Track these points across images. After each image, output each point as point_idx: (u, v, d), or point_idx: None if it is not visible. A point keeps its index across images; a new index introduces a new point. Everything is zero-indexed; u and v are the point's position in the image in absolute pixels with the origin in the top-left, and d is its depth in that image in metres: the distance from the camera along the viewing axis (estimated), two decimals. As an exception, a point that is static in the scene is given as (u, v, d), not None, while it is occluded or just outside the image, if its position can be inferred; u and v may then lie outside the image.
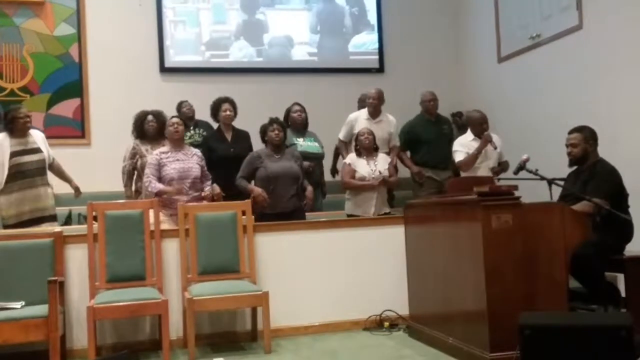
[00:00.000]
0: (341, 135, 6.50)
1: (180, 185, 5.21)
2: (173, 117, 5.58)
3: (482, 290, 3.79)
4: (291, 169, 5.48)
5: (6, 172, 5.35)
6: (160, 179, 5.26)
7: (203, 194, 5.36)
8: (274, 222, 5.22)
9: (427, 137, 6.46)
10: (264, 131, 5.63)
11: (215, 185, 5.52)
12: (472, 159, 5.90)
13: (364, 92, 6.87)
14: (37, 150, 5.48)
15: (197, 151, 5.56)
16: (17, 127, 5.43)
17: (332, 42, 8.45)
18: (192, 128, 6.38)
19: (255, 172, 5.47)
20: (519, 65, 7.34)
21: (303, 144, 6.14)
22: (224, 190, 5.56)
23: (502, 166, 6.04)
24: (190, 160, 5.36)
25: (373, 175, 5.64)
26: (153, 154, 5.42)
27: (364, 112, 6.46)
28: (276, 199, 5.39)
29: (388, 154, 6.19)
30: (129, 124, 6.02)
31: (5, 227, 5.36)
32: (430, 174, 6.45)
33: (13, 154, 5.37)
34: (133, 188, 5.86)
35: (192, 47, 8.05)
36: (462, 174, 6.04)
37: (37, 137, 5.57)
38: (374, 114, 6.39)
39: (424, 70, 8.29)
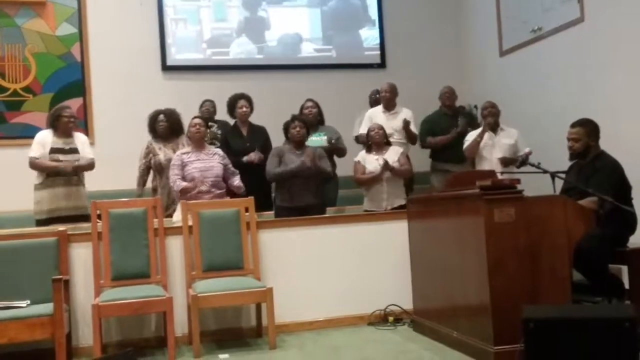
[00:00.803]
0: (362, 131, 6.49)
1: (200, 179, 5.25)
2: (195, 117, 5.62)
3: (486, 284, 3.80)
4: (309, 164, 5.50)
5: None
6: (183, 179, 5.32)
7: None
8: (278, 219, 5.25)
9: (442, 130, 6.54)
10: (286, 128, 5.70)
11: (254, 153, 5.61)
12: (474, 144, 5.99)
13: (374, 89, 6.93)
14: (75, 151, 5.56)
15: (219, 150, 5.62)
16: (60, 126, 5.54)
17: (335, 38, 8.44)
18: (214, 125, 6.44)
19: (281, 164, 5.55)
20: (520, 59, 7.33)
21: (310, 139, 6.13)
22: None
23: (517, 159, 5.92)
24: (212, 160, 5.42)
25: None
26: (175, 155, 5.47)
27: (379, 107, 6.56)
28: (293, 193, 5.47)
29: (405, 144, 6.26)
30: (131, 123, 6.05)
31: (38, 221, 5.45)
32: (448, 167, 6.49)
33: (52, 151, 5.48)
34: (150, 186, 5.90)
35: (194, 45, 8.06)
36: (477, 168, 6.06)
37: (79, 139, 5.67)
38: (389, 107, 6.47)
39: (426, 64, 8.29)
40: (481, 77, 8.12)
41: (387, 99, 6.49)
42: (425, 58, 8.41)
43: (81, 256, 4.76)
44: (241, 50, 8.18)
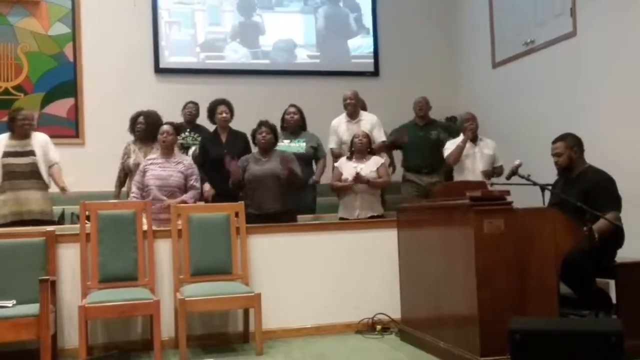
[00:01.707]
0: (331, 145, 6.48)
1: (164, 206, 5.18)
2: (165, 123, 5.54)
3: (474, 295, 3.80)
4: (274, 170, 5.45)
5: (0, 171, 5.40)
6: (142, 185, 5.30)
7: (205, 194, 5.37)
8: (266, 225, 5.22)
9: (411, 141, 6.53)
10: (253, 135, 5.66)
11: (206, 184, 5.51)
12: (457, 151, 6.06)
13: (344, 94, 6.89)
14: (29, 154, 5.52)
15: (186, 160, 5.53)
16: (15, 128, 5.53)
17: (328, 46, 8.46)
18: (189, 130, 6.38)
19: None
20: (513, 71, 7.37)
21: (286, 145, 6.10)
22: (217, 191, 5.56)
23: (496, 170, 6.10)
24: (173, 169, 5.34)
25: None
26: (143, 161, 5.43)
27: (342, 116, 6.49)
28: (258, 201, 5.41)
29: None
30: (122, 124, 6.03)
31: (0, 225, 5.38)
32: (413, 178, 6.51)
33: (5, 154, 5.45)
34: (124, 188, 5.87)
35: (187, 48, 8.05)
36: (456, 178, 6.10)
37: (37, 140, 5.61)
38: (353, 114, 6.41)
39: (419, 74, 8.31)
40: (473, 88, 8.16)
41: (353, 106, 6.40)
42: (419, 67, 8.43)
43: (69, 257, 4.73)
44: (235, 54, 8.18)
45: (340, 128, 6.38)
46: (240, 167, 5.48)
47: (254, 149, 5.84)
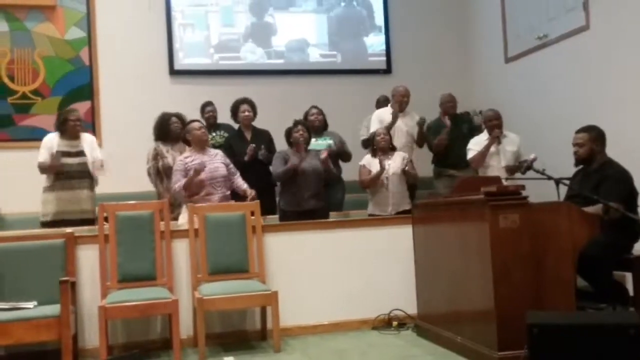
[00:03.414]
0: (372, 129, 6.47)
1: (200, 168, 5.20)
2: (193, 121, 5.60)
3: (490, 290, 3.81)
4: (316, 166, 5.58)
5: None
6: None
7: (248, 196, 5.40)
8: (282, 223, 5.27)
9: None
10: (288, 133, 5.73)
11: (251, 190, 5.50)
12: (481, 156, 5.98)
13: (382, 94, 6.95)
14: (80, 154, 5.63)
15: (219, 151, 5.60)
16: (67, 129, 5.62)
17: (341, 44, 8.47)
18: (213, 131, 6.44)
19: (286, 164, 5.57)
20: (526, 66, 7.35)
21: (315, 142, 6.16)
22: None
23: (521, 165, 5.99)
24: (215, 160, 5.39)
25: (387, 175, 5.69)
26: (177, 161, 5.43)
27: (388, 109, 6.57)
28: (300, 197, 5.52)
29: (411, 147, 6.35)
30: (139, 126, 6.07)
31: (42, 223, 5.51)
32: (452, 172, 6.50)
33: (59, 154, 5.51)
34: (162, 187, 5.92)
35: (201, 50, 8.09)
36: (476, 170, 6.08)
37: (86, 141, 5.73)
38: (403, 110, 6.49)
39: (431, 71, 8.30)
40: (486, 84, 8.14)
41: (405, 103, 6.51)
42: (431, 64, 8.42)
43: (88, 258, 4.78)
44: (248, 55, 8.22)
45: (386, 117, 6.44)
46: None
47: (278, 147, 5.91)
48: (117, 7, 7.70)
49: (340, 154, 6.35)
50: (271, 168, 5.77)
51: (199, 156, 5.37)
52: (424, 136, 6.52)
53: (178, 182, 5.25)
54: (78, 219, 5.47)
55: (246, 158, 5.93)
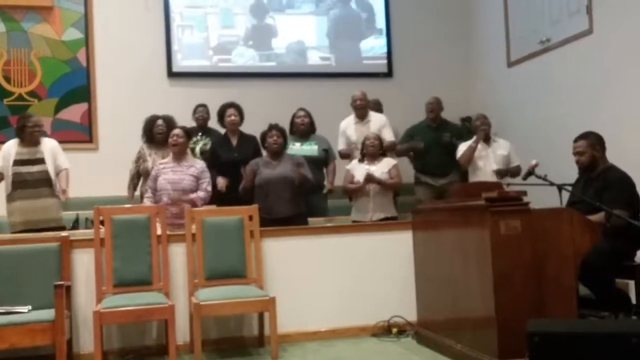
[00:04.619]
0: (340, 146, 6.45)
1: (174, 195, 5.16)
2: (177, 127, 5.53)
3: (491, 297, 3.77)
4: (285, 173, 5.47)
5: (10, 179, 5.42)
6: (155, 190, 5.29)
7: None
8: (281, 228, 5.21)
9: (424, 142, 6.50)
10: (263, 138, 5.65)
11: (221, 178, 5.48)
12: (469, 152, 6.03)
13: (374, 98, 6.88)
14: (40, 162, 5.52)
15: (198, 164, 5.46)
16: (25, 136, 5.51)
17: (341, 47, 8.43)
18: (200, 134, 6.35)
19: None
20: (528, 70, 7.31)
21: (298, 148, 6.09)
22: (227, 195, 5.54)
23: (512, 170, 6.04)
24: (184, 172, 5.30)
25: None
26: (155, 166, 5.41)
27: (351, 117, 6.45)
28: (270, 205, 5.39)
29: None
30: (136, 129, 6.02)
31: (13, 233, 5.41)
32: (428, 179, 6.48)
33: (16, 163, 5.45)
34: (137, 192, 5.87)
35: (200, 52, 8.05)
36: (470, 179, 6.07)
37: (46, 147, 5.60)
38: (362, 115, 6.36)
39: (433, 74, 8.26)
40: (488, 88, 8.10)
41: (362, 107, 6.35)
42: (433, 67, 8.38)
43: (83, 262, 4.74)
44: (247, 57, 8.17)
45: (349, 129, 6.35)
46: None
47: (265, 153, 5.83)
48: (114, 8, 7.66)
49: (325, 160, 6.28)
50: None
51: (173, 164, 5.33)
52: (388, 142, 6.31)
53: (150, 193, 5.31)
54: (45, 227, 5.36)
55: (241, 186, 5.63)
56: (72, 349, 4.57)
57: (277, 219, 5.35)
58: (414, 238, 5.07)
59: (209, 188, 5.40)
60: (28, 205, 5.43)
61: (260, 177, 5.45)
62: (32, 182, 5.45)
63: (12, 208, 5.45)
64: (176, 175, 5.28)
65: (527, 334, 3.18)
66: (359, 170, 5.75)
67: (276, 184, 5.42)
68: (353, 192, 5.75)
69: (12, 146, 5.52)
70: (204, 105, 6.61)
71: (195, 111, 6.59)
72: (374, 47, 8.55)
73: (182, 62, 7.95)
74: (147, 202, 5.30)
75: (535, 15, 7.14)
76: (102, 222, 4.79)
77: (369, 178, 5.60)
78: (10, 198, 5.46)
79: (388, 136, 6.30)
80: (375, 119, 6.38)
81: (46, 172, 5.51)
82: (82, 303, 4.70)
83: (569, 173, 4.82)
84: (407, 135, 6.67)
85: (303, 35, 8.32)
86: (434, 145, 6.48)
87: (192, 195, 5.25)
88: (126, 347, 4.76)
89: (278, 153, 5.56)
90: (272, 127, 5.63)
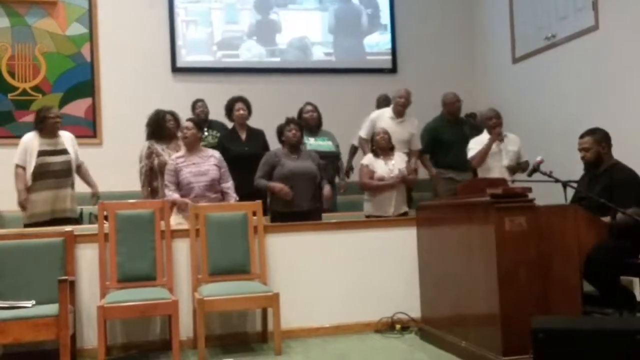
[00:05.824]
0: (363, 133, 6.43)
1: (186, 202, 5.14)
2: (186, 120, 5.54)
3: (495, 294, 3.75)
4: (309, 168, 5.49)
5: (31, 170, 5.44)
6: (178, 184, 5.26)
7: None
8: (285, 224, 5.21)
9: (448, 138, 6.48)
10: (280, 131, 5.63)
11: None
12: (482, 154, 5.93)
13: (381, 93, 6.87)
14: (64, 152, 5.58)
15: (215, 153, 5.49)
16: (46, 127, 5.55)
17: (345, 43, 8.42)
18: (206, 129, 6.35)
19: (273, 171, 5.46)
20: (534, 66, 7.29)
21: (314, 143, 6.11)
22: (238, 189, 5.51)
23: (521, 166, 5.98)
24: (206, 163, 5.32)
25: (392, 175, 5.61)
26: (170, 161, 5.39)
27: (387, 111, 6.44)
28: (293, 198, 5.39)
29: (407, 154, 6.14)
30: (140, 124, 6.00)
31: (25, 225, 5.44)
32: (451, 174, 6.43)
33: (40, 154, 5.46)
34: (149, 188, 5.84)
35: (204, 47, 8.05)
36: (480, 175, 6.03)
37: (65, 138, 5.67)
38: (400, 113, 6.36)
39: (438, 70, 8.25)
40: (493, 84, 8.09)
41: (402, 105, 6.35)
42: (437, 63, 8.36)
43: (87, 257, 4.73)
44: (252, 53, 8.17)
45: (381, 121, 6.27)
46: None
47: (272, 147, 5.82)
48: (119, 3, 7.67)
49: (339, 156, 6.34)
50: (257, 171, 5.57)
51: (189, 157, 5.31)
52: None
53: (169, 186, 5.25)
54: (60, 218, 5.41)
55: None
56: (76, 343, 4.56)
57: (297, 212, 5.36)
58: (418, 234, 5.06)
59: (229, 177, 5.45)
60: (51, 195, 5.47)
61: (284, 168, 5.42)
62: (56, 172, 5.51)
63: (36, 198, 5.46)
64: (199, 167, 5.27)
65: (531, 330, 3.17)
66: (378, 165, 5.69)
67: (301, 177, 5.42)
68: (378, 188, 5.69)
69: (33, 138, 5.55)
70: (202, 100, 6.63)
71: (195, 106, 6.59)
72: (378, 42, 8.54)
73: (186, 58, 7.95)
74: (170, 195, 5.21)
75: (540, 12, 7.11)
76: (106, 217, 4.78)
77: (403, 179, 5.60)
78: (30, 190, 5.46)
79: (416, 144, 6.39)
80: (410, 122, 6.40)
81: (69, 162, 5.60)
82: (86, 298, 4.70)
83: (575, 169, 4.80)
84: (430, 137, 6.55)
85: (307, 31, 8.32)
86: (457, 141, 6.43)
87: (232, 201, 5.29)
88: (130, 342, 4.75)
89: (296, 146, 5.56)
90: (290, 120, 5.63)
